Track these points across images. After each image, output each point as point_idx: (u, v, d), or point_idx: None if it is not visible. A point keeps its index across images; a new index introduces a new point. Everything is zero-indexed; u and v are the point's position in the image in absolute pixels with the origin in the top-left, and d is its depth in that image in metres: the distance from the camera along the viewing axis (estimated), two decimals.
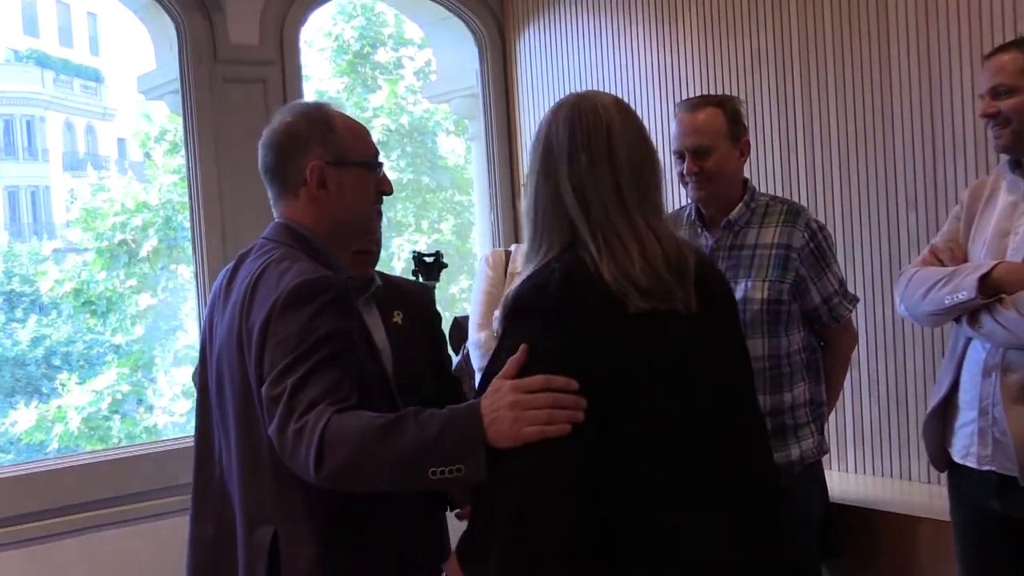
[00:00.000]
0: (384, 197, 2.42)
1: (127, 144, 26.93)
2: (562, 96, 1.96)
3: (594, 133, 1.98)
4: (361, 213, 2.35)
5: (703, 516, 1.95)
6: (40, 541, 3.94)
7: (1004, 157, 2.75)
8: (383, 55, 15.21)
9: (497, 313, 2.35)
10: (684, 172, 3.10)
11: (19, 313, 20.93)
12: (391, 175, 2.73)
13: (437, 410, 2.03)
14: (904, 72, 3.57)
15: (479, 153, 5.25)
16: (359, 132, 2.36)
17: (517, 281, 2.11)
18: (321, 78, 13.45)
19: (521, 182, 2.20)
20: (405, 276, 3.57)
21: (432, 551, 2.44)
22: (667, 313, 1.93)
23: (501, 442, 1.92)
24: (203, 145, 4.40)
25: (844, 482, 3.60)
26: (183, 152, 4.53)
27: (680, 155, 3.10)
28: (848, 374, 3.59)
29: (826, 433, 3.61)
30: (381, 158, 2.43)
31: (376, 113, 12.89)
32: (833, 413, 3.69)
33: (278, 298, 2.09)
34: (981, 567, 2.81)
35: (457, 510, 2.49)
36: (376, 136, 9.70)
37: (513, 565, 1.88)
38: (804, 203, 3.76)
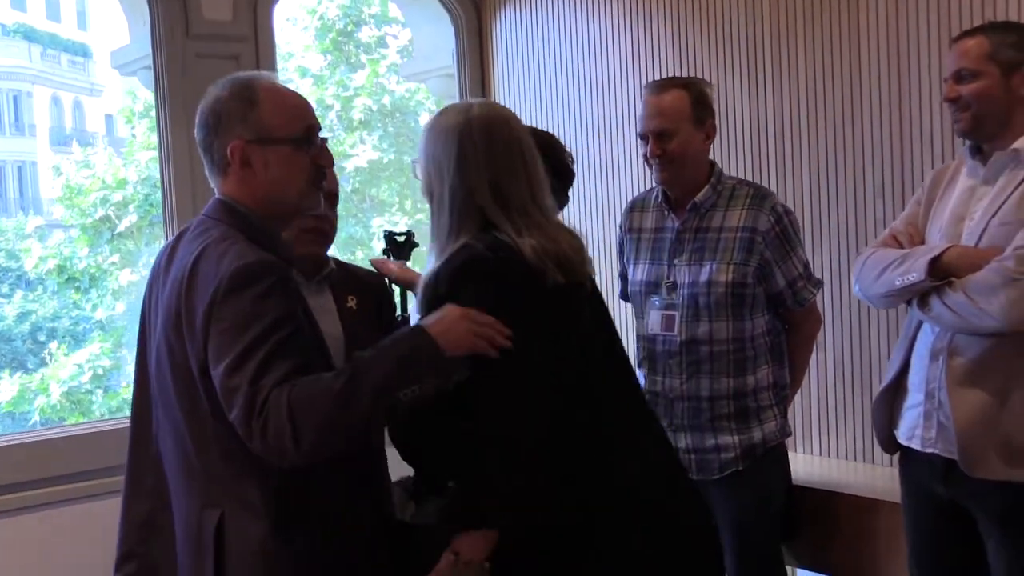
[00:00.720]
0: (350, 174, 2.43)
1: (115, 120, 26.74)
2: (541, 78, 2.12)
3: (511, 143, 2.27)
4: (292, 191, 2.25)
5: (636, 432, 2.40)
6: (24, 512, 3.95)
7: (967, 143, 2.74)
8: (366, 33, 15.04)
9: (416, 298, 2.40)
10: (648, 155, 3.10)
11: (4, 288, 20.83)
12: (373, 155, 2.72)
13: (378, 345, 2.13)
14: (874, 59, 3.57)
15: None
16: (288, 106, 2.24)
17: (428, 264, 2.31)
18: (304, 56, 13.32)
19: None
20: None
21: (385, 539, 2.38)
22: (576, 285, 2.27)
23: (456, 350, 2.12)
24: (174, 121, 4.36)
25: (808, 464, 3.62)
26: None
27: (644, 137, 3.11)
28: (813, 357, 3.59)
29: (791, 416, 3.62)
30: (324, 133, 2.35)
31: (357, 92, 12.81)
32: (798, 396, 3.72)
33: (220, 283, 2.05)
34: (929, 551, 2.81)
35: None
36: (357, 116, 9.78)
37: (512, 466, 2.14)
38: (773, 187, 3.79)
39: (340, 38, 12.89)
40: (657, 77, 3.95)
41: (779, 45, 3.83)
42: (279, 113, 2.21)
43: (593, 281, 2.41)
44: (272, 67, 4.58)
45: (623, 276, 3.41)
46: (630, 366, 2.50)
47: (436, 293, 2.23)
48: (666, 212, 3.23)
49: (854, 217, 3.65)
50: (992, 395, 2.57)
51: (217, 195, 2.26)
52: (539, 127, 4.55)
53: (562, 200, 3.39)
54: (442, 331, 2.12)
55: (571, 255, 2.26)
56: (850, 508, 3.27)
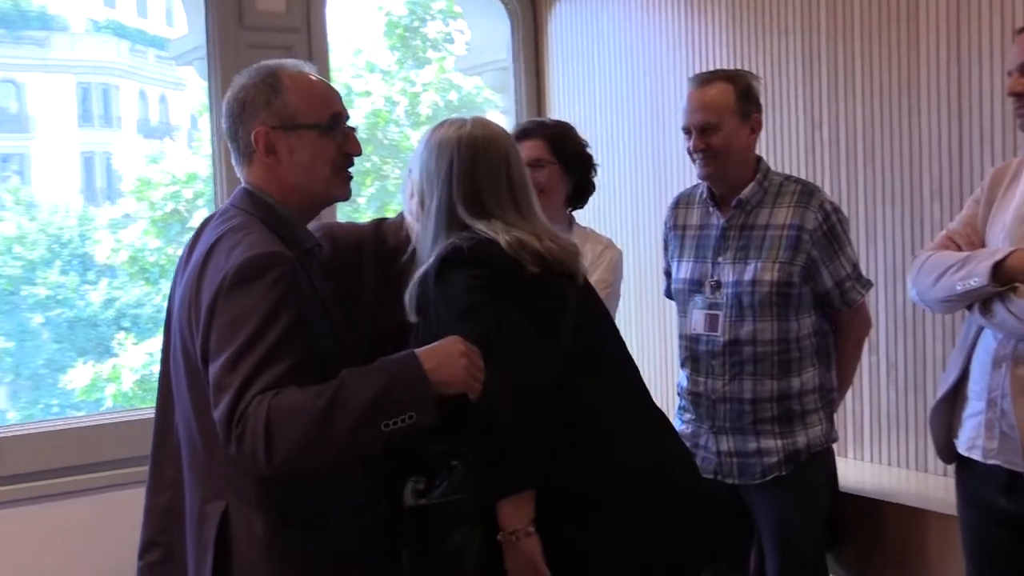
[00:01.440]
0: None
1: (197, 115, 27.32)
2: (595, 70, 2.12)
3: (497, 159, 2.33)
4: (318, 178, 2.24)
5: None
6: (91, 493, 3.97)
7: None
8: (433, 29, 14.95)
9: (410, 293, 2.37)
10: (691, 149, 3.03)
11: (91, 276, 21.30)
12: None
13: (368, 367, 2.03)
14: (933, 55, 3.42)
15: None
16: (313, 92, 2.24)
17: (417, 272, 2.33)
18: (372, 51, 13.36)
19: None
20: None
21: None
22: (560, 275, 2.31)
23: (449, 388, 2.04)
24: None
25: (859, 471, 3.49)
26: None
27: (688, 131, 3.03)
28: (865, 360, 3.50)
29: (840, 421, 3.52)
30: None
31: (425, 88, 12.85)
32: (849, 400, 3.63)
33: (226, 275, 2.02)
34: (989, 565, 2.68)
35: None
36: (424, 111, 9.76)
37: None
38: (826, 183, 3.69)
39: (407, 34, 12.90)
40: (709, 69, 3.83)
41: (836, 38, 3.70)
42: (304, 99, 2.20)
43: (585, 278, 2.46)
44: (324, 59, 4.55)
45: (667, 273, 3.34)
46: (630, 363, 2.51)
47: (424, 289, 2.28)
48: (711, 208, 3.15)
49: (910, 217, 3.50)
50: None
51: (242, 184, 2.24)
52: (592, 120, 4.55)
53: (586, 186, 3.35)
54: (436, 366, 2.03)
55: (553, 251, 2.29)
56: (899, 518, 3.16)
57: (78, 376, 17.80)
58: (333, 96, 2.29)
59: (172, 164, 16.65)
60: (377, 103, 13.14)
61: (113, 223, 20.49)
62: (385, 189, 13.28)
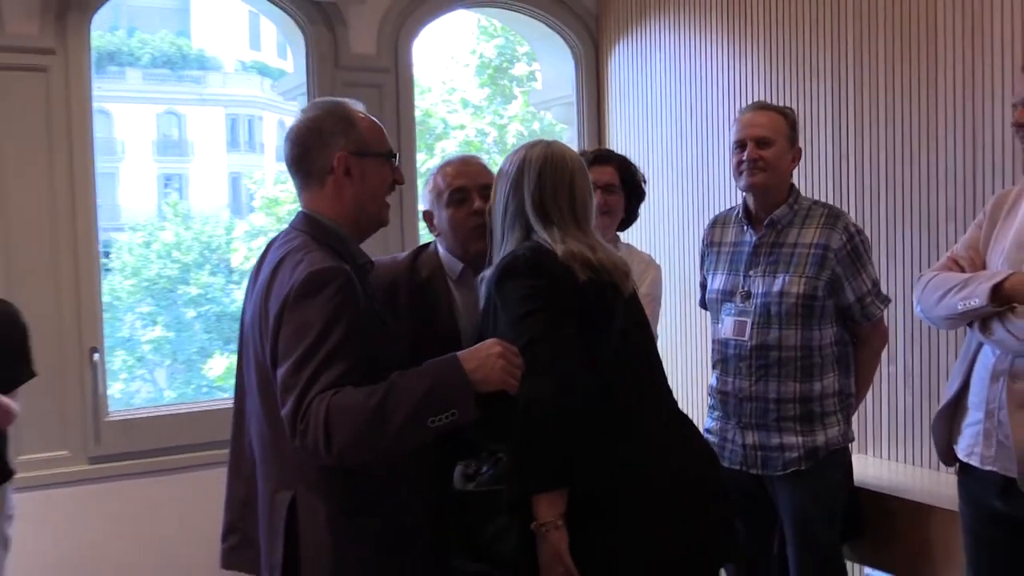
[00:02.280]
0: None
1: None
2: (648, 105, 2.74)
3: (562, 176, 2.27)
4: (377, 201, 2.23)
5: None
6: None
7: None
8: (519, 69, 15.05)
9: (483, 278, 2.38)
10: (743, 159, 2.93)
11: (235, 277, 21.73)
12: None
13: (415, 369, 2.03)
14: (949, 92, 3.28)
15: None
16: (376, 127, 2.25)
17: (485, 273, 2.31)
18: (465, 89, 13.45)
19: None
20: None
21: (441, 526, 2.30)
22: (608, 283, 2.22)
23: (488, 386, 2.00)
24: None
25: (876, 468, 3.34)
26: None
27: (741, 144, 2.94)
28: (884, 367, 3.38)
29: (860, 421, 3.42)
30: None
31: (511, 120, 12.94)
32: (868, 403, 3.51)
33: (291, 288, 2.02)
34: (987, 562, 2.53)
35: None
36: (511, 140, 9.67)
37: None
38: (852, 208, 3.58)
39: (496, 74, 12.96)
40: (747, 103, 3.72)
41: (861, 78, 3.56)
42: (373, 132, 2.21)
43: (633, 292, 2.35)
44: (410, 94, 4.57)
45: (703, 285, 3.24)
46: (661, 369, 2.40)
47: (488, 291, 2.26)
48: (745, 227, 3.06)
49: (927, 239, 3.36)
50: None
51: (302, 208, 2.21)
52: (645, 149, 4.45)
53: (634, 214, 3.31)
54: (476, 367, 2.01)
55: (604, 262, 2.23)
56: (910, 512, 2.99)
57: (216, 365, 18.29)
58: (386, 133, 2.30)
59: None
60: (470, 134, 13.26)
61: (247, 233, 20.95)
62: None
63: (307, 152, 2.16)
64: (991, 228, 2.51)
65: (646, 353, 2.34)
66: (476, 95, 13.09)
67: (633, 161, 3.32)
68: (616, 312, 2.24)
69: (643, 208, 3.40)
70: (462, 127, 13.13)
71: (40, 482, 3.78)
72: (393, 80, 4.45)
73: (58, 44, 3.89)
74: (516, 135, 12.52)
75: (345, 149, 2.14)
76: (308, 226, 2.15)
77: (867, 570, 3.41)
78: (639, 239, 4.25)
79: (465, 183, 2.54)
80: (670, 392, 2.38)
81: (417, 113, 13.27)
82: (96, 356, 3.98)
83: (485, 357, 2.02)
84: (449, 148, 13.02)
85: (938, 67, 3.29)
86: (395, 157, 2.27)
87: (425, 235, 3.20)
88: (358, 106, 2.26)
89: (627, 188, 3.29)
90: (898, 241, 3.44)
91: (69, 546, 3.91)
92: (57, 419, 3.87)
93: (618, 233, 3.39)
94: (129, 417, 4.02)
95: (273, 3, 4.32)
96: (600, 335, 2.20)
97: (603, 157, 3.36)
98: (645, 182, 3.35)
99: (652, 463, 2.19)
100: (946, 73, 3.27)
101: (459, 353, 2.06)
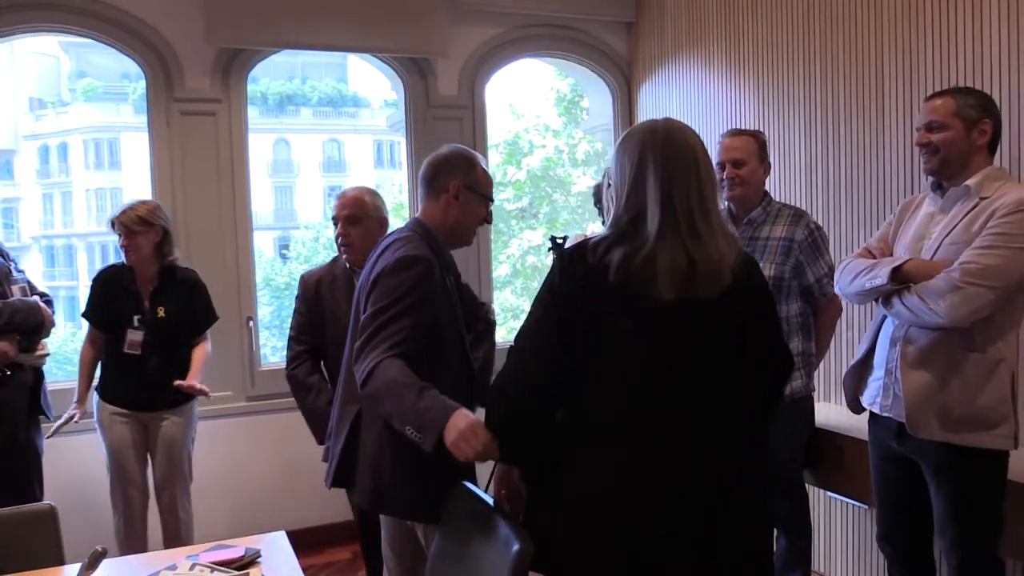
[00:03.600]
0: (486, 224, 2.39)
1: None
2: None
3: (685, 154, 1.71)
4: (471, 227, 2.32)
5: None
6: None
7: (931, 180, 2.38)
8: (585, 102, 14.81)
9: None
10: (724, 178, 2.93)
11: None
12: (590, 182, 2.75)
13: (437, 395, 1.96)
14: (892, 119, 3.19)
15: None
16: (488, 177, 2.34)
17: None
18: (545, 117, 13.39)
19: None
20: None
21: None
22: (638, 286, 1.65)
23: (447, 442, 1.87)
24: (418, 163, 4.40)
25: (836, 413, 3.25)
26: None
27: (722, 165, 2.93)
28: (840, 332, 3.32)
29: (823, 376, 3.37)
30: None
31: (581, 140, 12.89)
32: (827, 362, 3.44)
33: (387, 265, 2.12)
34: (888, 491, 2.52)
35: None
36: (580, 155, 9.56)
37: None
38: (820, 207, 3.50)
39: (569, 105, 12.86)
40: (745, 126, 3.66)
41: (827, 106, 3.47)
42: (485, 179, 2.30)
43: (733, 300, 1.70)
44: (483, 125, 4.56)
45: None
46: (702, 399, 1.68)
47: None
48: (729, 226, 3.00)
49: (875, 233, 3.24)
50: (935, 376, 2.26)
51: (417, 216, 2.31)
52: None
53: None
54: (450, 426, 1.87)
55: (641, 267, 1.65)
56: (855, 447, 2.92)
57: None
58: (492, 185, 2.39)
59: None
60: (550, 152, 13.23)
61: None
62: (554, 210, 13.58)
63: (436, 174, 2.26)
64: (898, 225, 2.48)
65: (676, 372, 1.65)
66: (555, 121, 13.05)
67: None
68: (642, 318, 1.66)
69: None
70: (543, 146, 13.11)
71: (213, 414, 3.95)
72: (471, 114, 4.48)
73: (223, 95, 4.06)
74: (584, 152, 12.52)
75: (461, 180, 2.23)
76: (418, 227, 2.24)
77: (829, 493, 3.37)
78: None
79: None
80: (708, 433, 1.65)
81: (508, 135, 13.26)
82: (251, 323, 4.16)
83: (457, 430, 1.86)
84: (533, 163, 13.02)
85: (885, 98, 3.20)
86: (491, 202, 2.33)
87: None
88: (482, 159, 2.37)
89: None
90: (853, 235, 3.35)
91: (232, 460, 4.10)
92: (224, 369, 4.01)
93: None
94: (276, 368, 4.10)
95: (382, 60, 4.41)
96: (603, 337, 1.67)
97: None
98: None
99: (602, 484, 1.66)
100: (889, 103, 3.18)
101: (458, 410, 1.91)
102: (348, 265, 3.05)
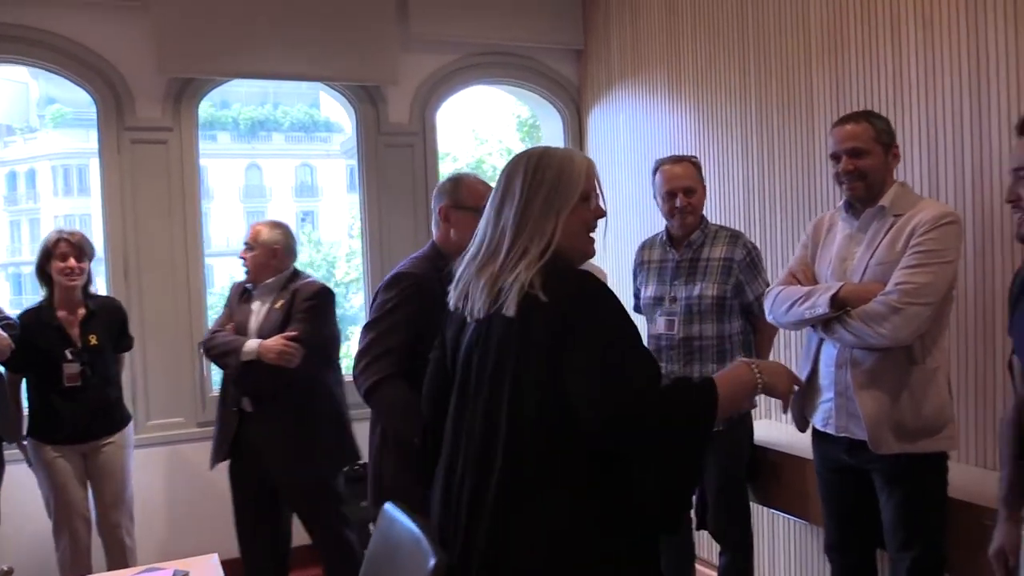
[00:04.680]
0: None
1: None
2: (615, 154, 1.90)
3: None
4: (466, 238, 2.41)
5: None
6: None
7: (843, 200, 2.44)
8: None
9: None
10: (676, 205, 2.98)
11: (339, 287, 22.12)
12: None
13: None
14: (820, 143, 3.24)
15: None
16: (475, 188, 2.45)
17: None
18: (507, 141, 13.52)
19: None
20: None
21: None
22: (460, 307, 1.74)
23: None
24: (369, 189, 4.45)
25: (776, 430, 3.30)
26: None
27: (673, 194, 2.98)
28: (781, 351, 3.36)
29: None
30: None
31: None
32: None
33: (383, 282, 2.38)
34: (838, 503, 2.57)
35: None
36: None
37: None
38: (756, 227, 3.57)
39: (531, 129, 13.02)
40: (683, 152, 3.72)
41: (761, 131, 3.55)
42: (469, 191, 2.42)
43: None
44: (435, 153, 4.60)
45: (636, 295, 3.25)
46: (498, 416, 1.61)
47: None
48: (668, 248, 3.09)
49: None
50: (886, 394, 2.31)
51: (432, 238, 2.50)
52: (613, 189, 4.48)
53: None
54: None
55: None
56: (794, 463, 2.96)
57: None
58: (483, 194, 2.41)
59: None
60: None
61: (347, 255, 21.35)
62: None
63: (433, 205, 2.46)
64: (815, 247, 2.53)
65: (468, 390, 1.65)
66: (517, 146, 13.23)
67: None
68: (456, 335, 1.72)
69: (611, 234, 3.36)
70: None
71: (165, 440, 3.96)
72: (422, 141, 4.52)
73: (174, 123, 4.08)
74: None
75: (447, 203, 2.41)
76: (430, 248, 2.44)
77: (770, 509, 3.40)
78: (605, 258, 4.28)
79: None
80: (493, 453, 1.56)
81: (472, 159, 13.31)
82: (202, 349, 4.14)
83: None
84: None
85: (814, 121, 3.28)
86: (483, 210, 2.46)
87: None
88: (472, 175, 2.53)
89: None
90: (787, 253, 3.40)
91: (182, 485, 4.05)
92: (175, 395, 4.02)
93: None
94: None
95: (332, 88, 4.45)
96: (444, 356, 1.77)
97: None
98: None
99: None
100: (818, 126, 3.25)
101: None
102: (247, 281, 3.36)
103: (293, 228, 3.49)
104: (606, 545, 1.52)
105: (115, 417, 3.38)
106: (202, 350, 3.43)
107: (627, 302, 3.38)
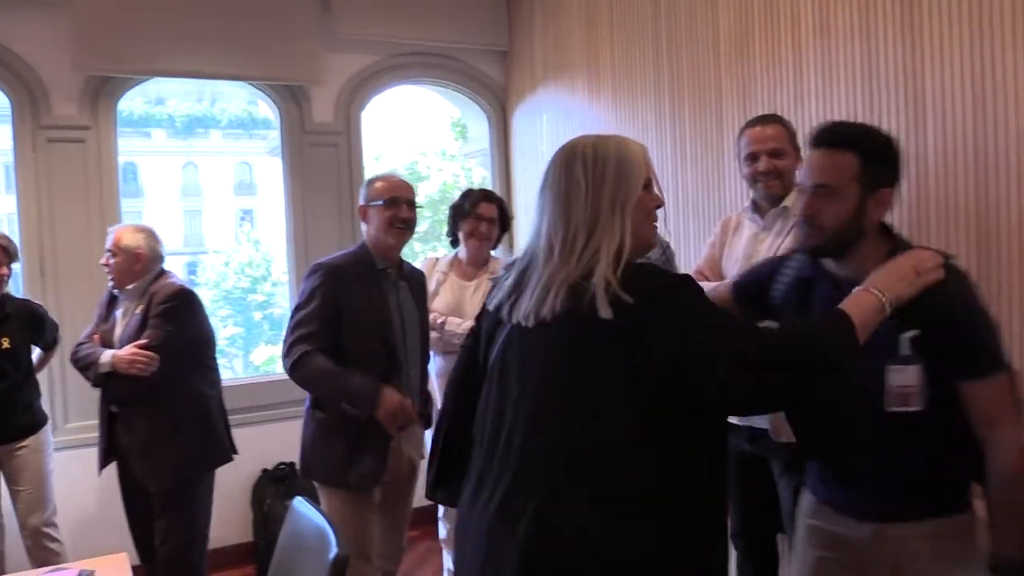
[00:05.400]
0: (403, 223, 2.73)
1: None
2: (538, 153, 1.91)
3: None
4: (380, 233, 2.72)
5: None
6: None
7: (750, 200, 2.54)
8: None
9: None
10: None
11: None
12: None
13: (366, 376, 2.55)
14: (732, 145, 3.31)
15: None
16: (385, 184, 2.71)
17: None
18: (441, 142, 13.51)
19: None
20: None
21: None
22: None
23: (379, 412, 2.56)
24: (294, 188, 4.44)
25: None
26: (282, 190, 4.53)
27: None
28: None
29: None
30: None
31: (475, 165, 13.20)
32: None
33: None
34: (739, 489, 2.65)
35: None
36: (477, 178, 9.47)
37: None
38: (672, 227, 3.64)
39: (464, 130, 13.07)
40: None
41: (675, 131, 3.65)
42: (377, 188, 2.72)
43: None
44: (359, 153, 4.59)
45: None
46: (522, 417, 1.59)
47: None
48: None
49: None
50: None
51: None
52: (537, 187, 4.51)
53: (499, 241, 3.41)
54: (384, 400, 2.57)
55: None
56: None
57: (259, 354, 18.58)
58: (394, 187, 2.71)
59: None
60: (447, 177, 13.40)
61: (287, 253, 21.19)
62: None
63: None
64: (723, 246, 2.62)
65: (506, 391, 1.58)
66: (451, 147, 13.21)
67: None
68: (497, 336, 1.65)
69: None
70: (440, 171, 13.27)
71: (86, 442, 3.80)
72: (347, 140, 4.52)
73: (92, 121, 4.01)
74: (480, 176, 12.72)
75: (362, 203, 2.74)
76: (360, 245, 2.75)
77: None
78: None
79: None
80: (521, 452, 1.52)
81: (408, 162, 13.27)
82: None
83: (386, 402, 2.57)
84: (432, 189, 13.13)
85: (723, 123, 3.38)
86: (391, 203, 2.68)
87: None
88: (385, 174, 2.78)
89: (502, 221, 3.41)
90: (701, 250, 3.49)
91: (103, 486, 3.87)
92: (92, 397, 3.84)
93: (492, 252, 3.50)
94: None
95: (256, 87, 4.42)
96: (484, 360, 1.69)
97: (489, 196, 3.45)
98: (513, 216, 3.46)
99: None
100: (727, 127, 3.35)
101: (385, 387, 2.58)
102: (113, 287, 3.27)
103: (231, 227, 3.50)
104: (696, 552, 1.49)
105: (28, 420, 3.32)
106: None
107: None
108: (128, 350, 2.96)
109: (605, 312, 1.43)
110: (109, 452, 3.15)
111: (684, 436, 1.45)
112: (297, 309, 2.62)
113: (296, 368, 2.56)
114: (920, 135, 2.57)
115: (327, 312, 2.57)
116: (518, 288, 1.59)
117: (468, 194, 3.51)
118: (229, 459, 3.24)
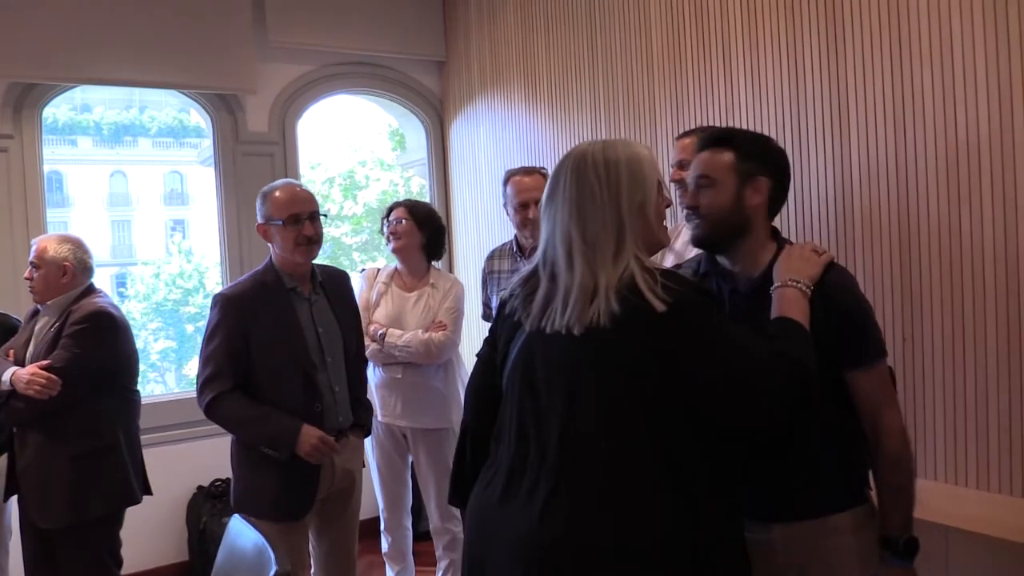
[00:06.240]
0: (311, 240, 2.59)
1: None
2: (475, 163, 1.85)
3: None
4: (287, 253, 2.59)
5: None
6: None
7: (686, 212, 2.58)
8: None
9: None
10: (528, 216, 3.06)
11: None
12: None
13: (283, 417, 2.48)
14: (666, 156, 3.40)
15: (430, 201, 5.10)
16: (282, 200, 2.55)
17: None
18: (379, 151, 13.44)
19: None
20: None
21: None
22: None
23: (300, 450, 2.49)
24: (227, 199, 4.36)
25: None
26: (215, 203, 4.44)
27: (525, 205, 3.07)
28: None
29: None
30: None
31: (413, 175, 13.21)
32: None
33: None
34: None
35: None
36: (415, 190, 9.48)
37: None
38: None
39: (402, 139, 13.02)
40: (538, 164, 3.81)
41: (610, 136, 3.66)
42: (274, 204, 2.58)
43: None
44: (295, 163, 4.53)
45: (486, 304, 3.31)
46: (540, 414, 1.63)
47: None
48: (518, 258, 3.14)
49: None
50: None
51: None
52: (475, 198, 4.53)
53: (439, 253, 3.40)
54: (302, 440, 2.49)
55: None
56: None
57: (192, 367, 18.16)
58: (295, 203, 2.55)
59: None
60: (384, 186, 13.34)
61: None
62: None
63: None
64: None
65: (520, 392, 1.61)
66: (389, 156, 13.11)
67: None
68: (516, 338, 1.66)
69: (471, 241, 3.38)
70: (378, 180, 13.19)
71: None
72: (282, 151, 4.45)
73: (15, 131, 3.86)
74: (418, 185, 12.71)
75: (261, 222, 2.59)
76: (267, 265, 2.63)
77: None
78: (467, 267, 4.34)
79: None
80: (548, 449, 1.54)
81: (345, 170, 13.16)
82: None
83: (305, 440, 2.48)
84: (369, 197, 13.04)
85: (657, 134, 3.41)
86: (294, 220, 2.53)
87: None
88: (280, 186, 2.61)
89: (428, 229, 3.38)
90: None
91: None
92: None
93: (433, 263, 3.48)
94: None
95: (187, 95, 4.32)
96: (502, 360, 1.70)
97: (403, 203, 3.47)
98: (439, 219, 3.46)
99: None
100: (661, 138, 3.38)
101: (303, 425, 2.49)
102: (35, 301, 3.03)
103: (162, 237, 3.38)
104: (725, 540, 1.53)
105: None
106: None
107: (476, 312, 3.45)
108: (29, 369, 2.74)
109: (621, 316, 1.47)
110: (11, 479, 2.89)
111: (707, 436, 1.52)
112: (204, 344, 2.53)
113: (210, 412, 2.50)
114: (845, 144, 2.66)
115: (233, 346, 2.46)
116: (534, 297, 1.60)
117: (392, 204, 3.54)
118: (136, 501, 2.95)
